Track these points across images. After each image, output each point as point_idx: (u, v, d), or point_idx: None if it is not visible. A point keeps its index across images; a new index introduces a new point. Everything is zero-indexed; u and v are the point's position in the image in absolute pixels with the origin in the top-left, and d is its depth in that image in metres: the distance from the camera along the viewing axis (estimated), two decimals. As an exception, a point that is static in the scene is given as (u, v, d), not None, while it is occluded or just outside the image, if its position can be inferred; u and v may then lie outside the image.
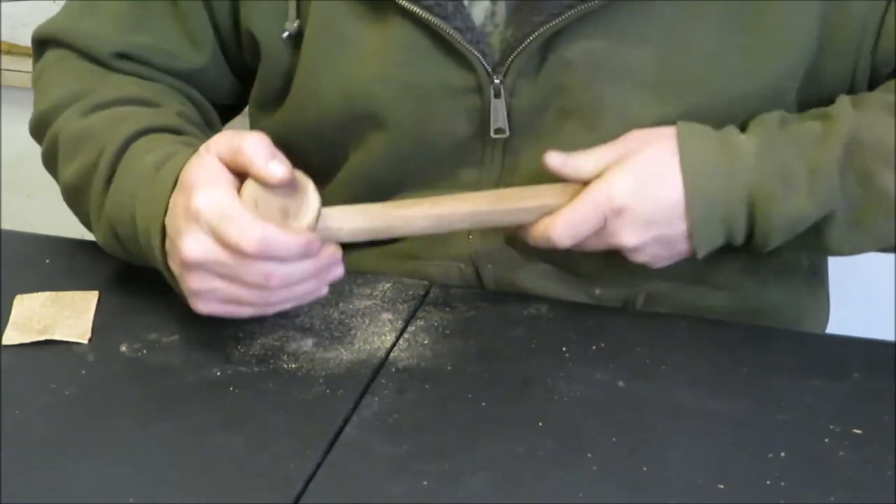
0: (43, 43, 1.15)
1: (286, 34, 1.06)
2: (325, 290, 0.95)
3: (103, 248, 1.03)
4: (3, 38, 1.87)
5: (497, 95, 1.02)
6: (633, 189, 0.98)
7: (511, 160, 1.05)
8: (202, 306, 0.93)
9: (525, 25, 1.00)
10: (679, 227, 0.99)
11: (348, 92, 1.05)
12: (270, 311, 0.94)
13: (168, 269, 0.95)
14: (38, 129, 1.11)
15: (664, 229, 0.99)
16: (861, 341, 0.99)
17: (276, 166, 0.90)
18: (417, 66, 1.03)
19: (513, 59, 1.01)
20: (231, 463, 0.84)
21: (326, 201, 1.02)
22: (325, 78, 1.06)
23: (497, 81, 1.01)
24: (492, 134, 1.03)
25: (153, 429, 0.88)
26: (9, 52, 1.88)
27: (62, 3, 1.16)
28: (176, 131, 1.03)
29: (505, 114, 1.02)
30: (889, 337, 1.02)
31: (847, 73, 1.05)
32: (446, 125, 1.04)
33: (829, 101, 1.04)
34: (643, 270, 1.02)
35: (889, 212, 0.99)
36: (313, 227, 0.92)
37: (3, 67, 1.88)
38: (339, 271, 0.94)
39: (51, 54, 1.14)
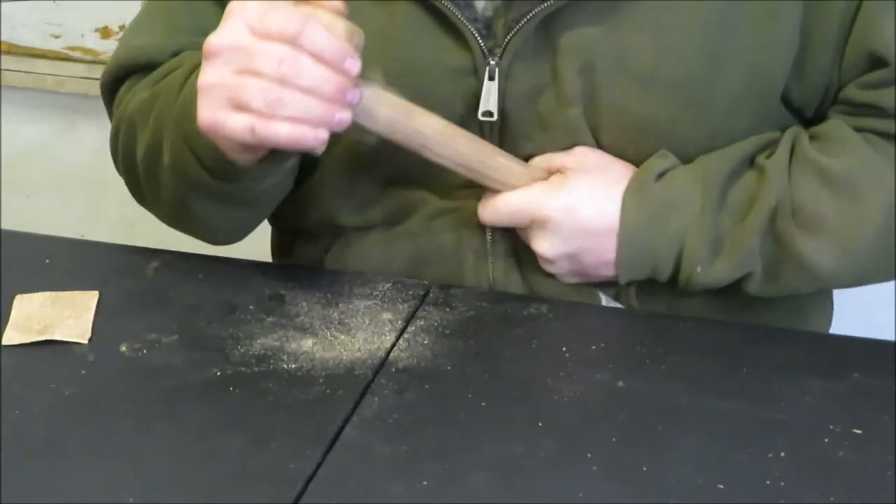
0: (111, 85, 1.14)
1: None
2: (323, 134, 0.92)
3: (170, 170, 1.03)
4: (3, 38, 1.87)
5: (491, 78, 1.02)
6: (567, 206, 1.03)
7: (507, 146, 1.05)
8: (204, 110, 0.92)
9: (522, 7, 1.00)
10: (603, 257, 1.04)
11: None
12: (271, 127, 0.90)
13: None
14: (113, 137, 1.12)
15: (583, 255, 1.04)
16: (861, 341, 0.99)
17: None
18: (418, 44, 1.03)
19: (509, 41, 1.01)
20: (231, 463, 0.84)
21: (319, 182, 1.07)
22: None
23: (492, 63, 1.02)
24: (479, 116, 1.03)
25: (153, 429, 0.88)
26: (9, 52, 1.88)
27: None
28: None
29: (496, 97, 1.03)
30: (889, 337, 1.02)
31: (826, 70, 1.05)
32: (444, 106, 1.04)
33: (809, 97, 1.07)
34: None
35: (803, 272, 1.03)
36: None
37: (3, 67, 1.88)
38: (346, 117, 0.93)
39: (125, 86, 1.13)
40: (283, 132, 0.91)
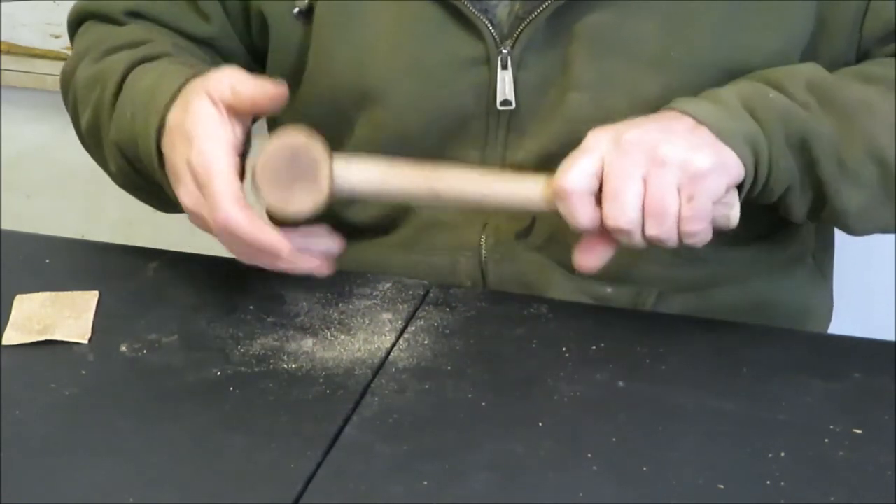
0: (74, 24, 1.19)
1: (297, 10, 1.08)
2: (313, 265, 0.94)
3: (121, 185, 1.09)
4: (3, 38, 1.87)
5: (504, 67, 1.03)
6: (622, 123, 0.95)
7: (515, 138, 1.05)
8: (195, 224, 0.96)
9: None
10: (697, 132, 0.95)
11: (362, 63, 1.06)
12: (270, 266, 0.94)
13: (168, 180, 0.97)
14: (63, 89, 1.15)
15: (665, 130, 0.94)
16: (861, 341, 0.99)
17: (263, 88, 0.92)
18: (429, 36, 1.04)
19: (521, 31, 1.02)
20: (231, 463, 0.84)
21: None
22: (339, 50, 1.07)
23: (505, 52, 1.02)
24: (498, 106, 1.04)
25: (153, 429, 0.88)
26: (9, 52, 1.88)
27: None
28: (169, 55, 1.06)
29: (512, 86, 1.03)
30: (889, 337, 1.02)
31: (841, 55, 1.05)
32: (453, 99, 1.05)
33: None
34: (654, 269, 1.02)
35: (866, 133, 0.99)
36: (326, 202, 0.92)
37: (3, 67, 1.88)
38: (328, 249, 0.95)
39: (80, 29, 1.18)
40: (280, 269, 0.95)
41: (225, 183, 0.90)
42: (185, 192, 0.93)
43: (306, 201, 0.91)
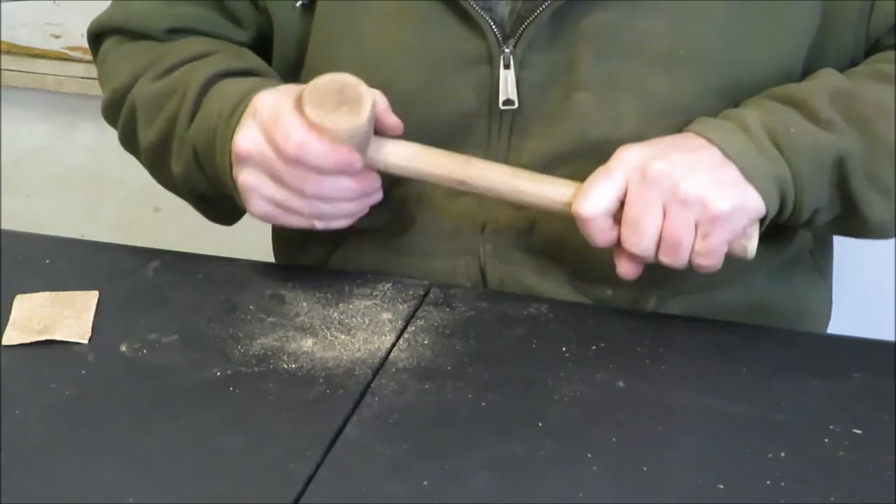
0: (98, 36, 1.18)
1: (299, 3, 1.08)
2: (364, 210, 1.01)
3: (181, 180, 1.09)
4: (3, 38, 1.87)
5: (507, 66, 1.03)
6: (651, 147, 0.96)
7: (518, 139, 1.05)
8: (255, 206, 1.00)
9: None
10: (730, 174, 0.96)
11: (363, 58, 1.06)
12: (319, 225, 1.00)
13: (237, 188, 1.01)
14: (112, 108, 1.14)
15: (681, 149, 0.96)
16: (861, 341, 0.99)
17: (395, 116, 1.00)
18: (431, 33, 1.04)
19: (524, 29, 1.01)
20: (231, 463, 0.84)
21: None
22: (341, 45, 1.07)
23: (507, 51, 1.02)
24: (500, 105, 1.04)
25: (153, 429, 0.88)
26: (9, 52, 1.88)
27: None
28: (257, 73, 1.08)
29: (514, 85, 1.03)
30: (889, 337, 1.02)
31: (848, 52, 1.05)
32: (455, 97, 1.05)
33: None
34: (654, 273, 1.02)
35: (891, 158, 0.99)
36: (362, 138, 0.97)
37: (3, 67, 1.88)
38: (377, 196, 1.00)
39: (108, 43, 1.17)
40: (336, 224, 1.01)
41: (293, 115, 0.95)
42: (246, 133, 0.97)
43: (345, 120, 0.96)
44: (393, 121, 1.00)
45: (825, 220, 1.02)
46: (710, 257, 0.96)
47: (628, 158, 0.96)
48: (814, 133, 0.98)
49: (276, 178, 0.97)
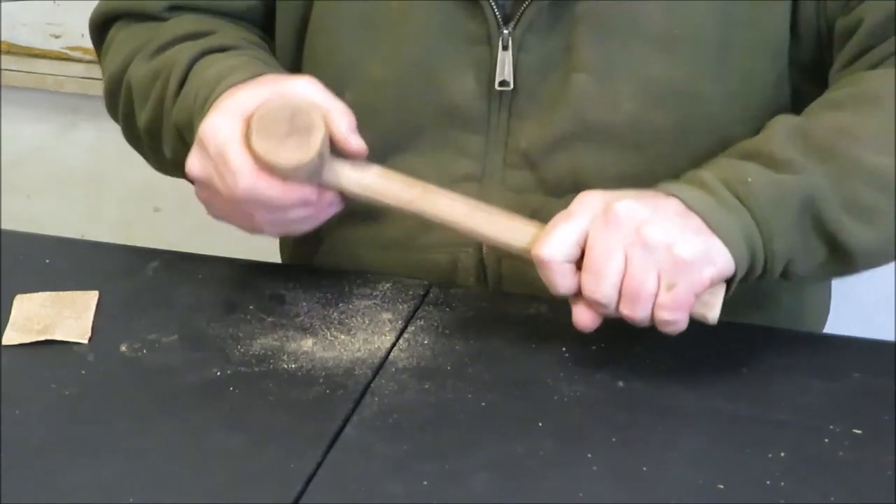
0: (101, 25, 1.17)
1: None
2: (322, 221, 1.00)
3: (172, 164, 1.07)
4: (3, 38, 1.87)
5: (505, 48, 1.03)
6: (614, 192, 0.93)
7: (518, 123, 1.05)
8: (213, 214, 1.00)
9: None
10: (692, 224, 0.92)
11: (362, 38, 1.06)
12: (274, 234, 1.01)
13: None
14: (111, 95, 1.13)
15: (662, 213, 0.92)
16: (861, 341, 0.99)
17: (357, 139, 0.96)
18: (436, 9, 1.04)
19: (523, 11, 1.02)
20: (231, 463, 0.84)
21: None
22: (340, 27, 1.07)
23: (506, 32, 1.02)
24: (496, 86, 1.04)
25: (153, 429, 0.88)
26: (9, 52, 1.88)
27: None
28: (237, 48, 1.07)
29: (511, 67, 1.03)
30: (889, 337, 1.02)
31: (812, 20, 1.03)
32: (454, 78, 1.05)
33: (808, 54, 1.04)
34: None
35: (872, 184, 0.94)
36: (314, 168, 0.94)
37: (3, 67, 1.88)
38: (335, 209, 0.99)
39: (111, 32, 1.16)
40: (293, 234, 1.03)
41: (239, 153, 0.94)
42: (196, 158, 0.97)
43: (294, 155, 0.92)
44: (356, 146, 0.96)
45: (808, 268, 0.96)
46: (675, 311, 0.89)
47: (590, 201, 0.91)
48: (773, 178, 0.92)
49: (230, 204, 0.96)
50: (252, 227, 0.99)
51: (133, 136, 1.13)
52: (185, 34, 1.09)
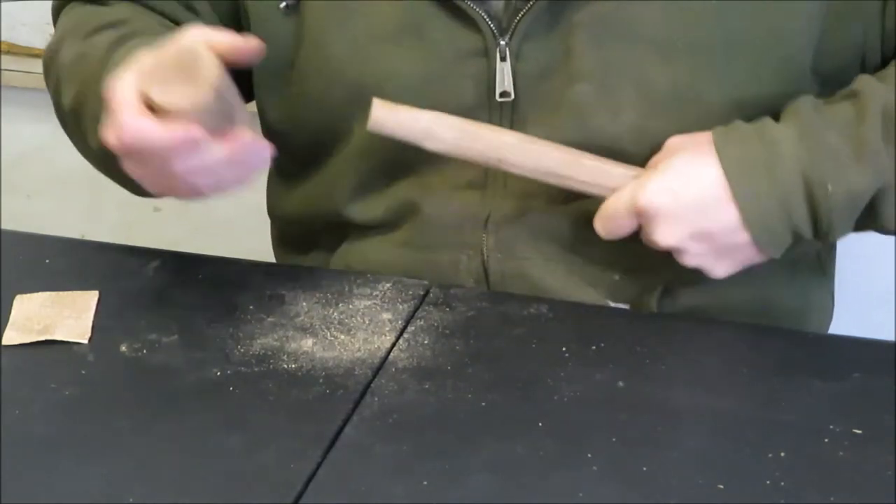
0: (57, 10, 1.18)
1: (284, 5, 1.07)
2: (253, 174, 0.95)
3: (99, 167, 1.08)
4: (3, 38, 1.87)
5: (503, 59, 1.03)
6: (663, 187, 0.97)
7: (519, 131, 1.05)
8: (151, 187, 0.97)
9: None
10: (729, 223, 0.98)
11: (360, 57, 1.06)
12: (204, 194, 0.95)
13: None
14: (46, 69, 1.14)
15: (708, 229, 0.98)
16: (861, 341, 0.99)
17: (245, 40, 0.91)
18: (427, 29, 1.04)
19: (518, 21, 1.02)
20: (231, 463, 0.84)
21: (332, 179, 1.07)
22: (334, 44, 1.06)
23: (503, 44, 1.02)
24: (497, 98, 1.04)
25: (153, 429, 0.88)
26: (9, 52, 1.88)
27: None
28: (153, 33, 1.05)
29: (511, 78, 1.03)
30: (889, 337, 1.02)
31: (858, 43, 1.04)
32: (453, 91, 1.05)
33: (844, 73, 1.04)
34: (660, 261, 1.02)
35: None
36: (213, 105, 0.90)
37: (3, 67, 1.88)
38: (262, 160, 0.94)
39: (63, 13, 1.17)
40: (227, 191, 0.95)
41: (130, 102, 0.90)
42: (108, 129, 0.92)
43: (185, 93, 0.89)
44: (245, 46, 0.91)
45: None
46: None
47: (666, 234, 0.99)
48: (854, 181, 0.96)
49: (141, 164, 0.94)
50: (184, 189, 0.94)
51: (60, 114, 1.13)
52: (116, 21, 1.09)
